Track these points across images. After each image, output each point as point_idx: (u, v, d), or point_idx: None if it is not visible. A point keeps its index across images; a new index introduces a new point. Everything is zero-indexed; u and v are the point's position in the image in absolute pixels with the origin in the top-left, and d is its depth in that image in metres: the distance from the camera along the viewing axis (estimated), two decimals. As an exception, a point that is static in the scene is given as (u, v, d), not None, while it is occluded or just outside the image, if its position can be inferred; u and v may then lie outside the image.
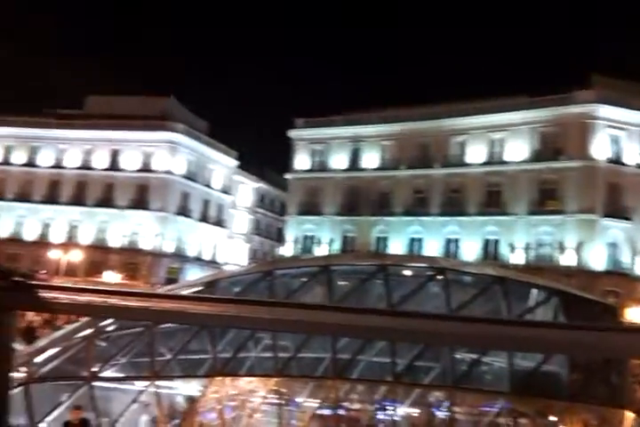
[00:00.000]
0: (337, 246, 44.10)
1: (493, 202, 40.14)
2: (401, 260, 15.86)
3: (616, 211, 36.86)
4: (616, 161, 37.83)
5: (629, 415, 10.14)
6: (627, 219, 36.90)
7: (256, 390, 10.83)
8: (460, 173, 41.37)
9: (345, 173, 45.69)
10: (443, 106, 42.18)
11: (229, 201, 55.68)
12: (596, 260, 36.08)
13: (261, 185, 60.45)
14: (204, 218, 51.92)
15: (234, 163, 56.18)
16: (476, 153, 41.38)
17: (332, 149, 46.54)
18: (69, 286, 1.50)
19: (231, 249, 54.94)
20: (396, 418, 11.07)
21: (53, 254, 42.71)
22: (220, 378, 10.12)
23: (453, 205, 41.18)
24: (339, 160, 46.23)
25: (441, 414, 10.97)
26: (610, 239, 36.87)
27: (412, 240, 42.01)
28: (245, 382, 10.93)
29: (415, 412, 11.62)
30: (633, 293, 34.63)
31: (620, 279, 35.09)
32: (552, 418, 10.98)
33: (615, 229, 36.98)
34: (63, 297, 1.37)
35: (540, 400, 10.34)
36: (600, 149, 37.73)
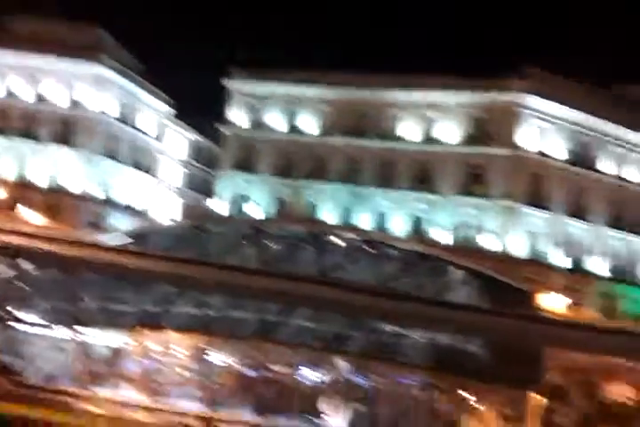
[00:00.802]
0: (270, 209, 43.66)
1: (424, 179, 40.75)
2: (334, 229, 15.87)
3: (537, 201, 38.42)
4: (542, 153, 39.21)
5: (537, 398, 10.76)
6: (547, 209, 38.61)
7: (179, 345, 10.61)
8: (394, 148, 41.59)
9: (283, 134, 44.79)
10: (384, 76, 41.77)
11: (162, 150, 53.49)
12: (517, 246, 37.66)
13: (197, 138, 58.30)
14: (134, 165, 49.18)
15: (168, 110, 53.60)
16: (410, 129, 41.61)
17: (271, 106, 45.26)
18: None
19: (163, 202, 53.21)
20: (315, 383, 11.17)
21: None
22: (143, 330, 9.80)
23: (386, 179, 41.51)
24: (277, 119, 45.13)
25: (361, 382, 11.17)
26: (530, 228, 38.52)
27: (345, 210, 42.17)
28: (169, 337, 10.67)
29: (336, 378, 11.77)
30: (549, 281, 35.98)
31: (537, 267, 36.81)
32: (467, 395, 11.43)
33: (536, 218, 38.64)
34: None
35: (457, 378, 10.72)
36: (528, 139, 38.89)
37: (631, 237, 40.72)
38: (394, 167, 41.60)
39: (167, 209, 52.88)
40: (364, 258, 11.19)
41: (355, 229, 22.66)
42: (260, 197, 44.03)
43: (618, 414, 15.20)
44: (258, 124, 45.43)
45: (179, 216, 53.44)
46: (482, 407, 11.65)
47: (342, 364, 11.37)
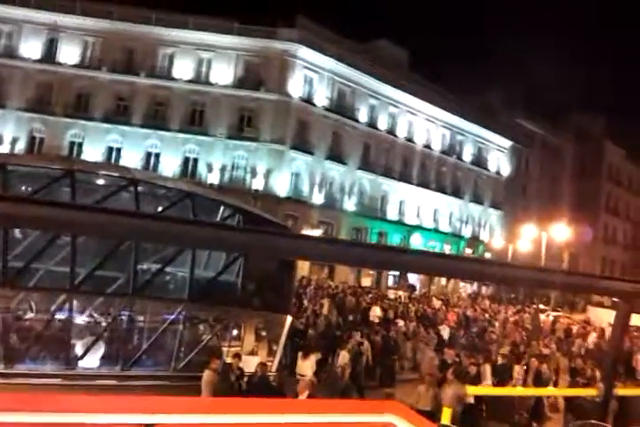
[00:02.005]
0: (22, 146, 39.09)
1: (196, 120, 40.46)
2: (91, 167, 14.91)
3: (302, 145, 40.98)
4: (307, 100, 41.55)
5: (288, 319, 12.04)
6: (310, 153, 41.49)
7: None
8: (166, 87, 40.27)
9: (38, 63, 39.92)
10: (155, 11, 39.96)
11: None
12: (281, 186, 39.95)
13: None
14: None
15: None
16: (183, 69, 40.58)
17: (24, 33, 39.92)
18: None
19: None
20: (75, 327, 10.83)
21: None
22: None
23: (157, 119, 40.16)
24: (31, 48, 40.02)
25: (124, 321, 11.14)
26: (294, 169, 41.13)
27: (111, 149, 39.85)
28: None
29: (98, 320, 11.56)
30: (308, 217, 40.20)
31: (298, 205, 39.91)
32: (228, 323, 12.18)
33: (299, 160, 41.31)
34: None
35: (216, 308, 11.35)
36: (295, 86, 40.82)
37: (379, 179, 46.23)
38: (165, 107, 40.36)
39: None
40: (124, 197, 10.89)
41: (117, 167, 21.61)
42: (10, 133, 39.14)
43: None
44: (8, 52, 39.73)
45: None
46: (242, 332, 12.53)
47: (102, 305, 11.20)
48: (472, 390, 6.94)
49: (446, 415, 3.91)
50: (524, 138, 58.14)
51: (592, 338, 21.16)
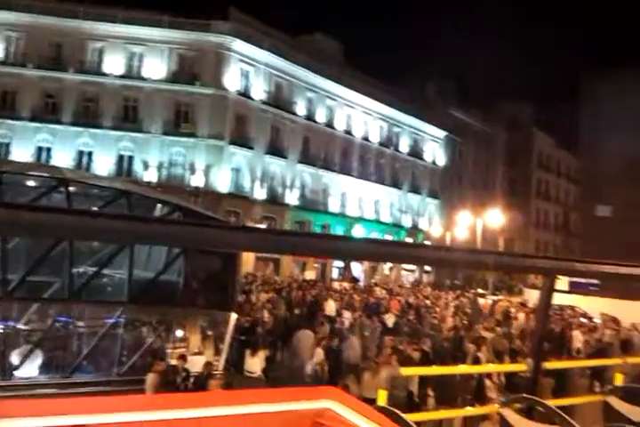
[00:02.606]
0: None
1: (130, 117, 39.37)
2: (19, 167, 14.25)
3: (241, 140, 40.61)
4: (244, 94, 41.17)
5: (234, 316, 11.93)
6: (250, 148, 41.18)
7: None
8: (97, 83, 38.97)
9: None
10: (82, 5, 38.58)
11: None
12: (222, 182, 39.49)
13: None
14: None
15: None
16: (114, 63, 39.39)
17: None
18: None
19: None
20: (10, 335, 10.39)
21: None
22: None
23: (88, 116, 38.81)
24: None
25: (62, 327, 10.77)
26: (234, 165, 40.72)
27: (40, 149, 38.23)
28: None
29: (34, 327, 11.12)
30: (251, 213, 39.91)
31: (240, 201, 39.55)
32: (171, 323, 11.96)
33: (239, 156, 40.93)
34: None
35: (158, 308, 11.12)
36: (232, 80, 40.36)
37: (320, 172, 46.45)
38: (96, 103, 39.07)
39: None
40: (56, 198, 10.50)
41: (47, 167, 20.81)
42: None
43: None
44: None
45: None
46: (187, 332, 12.36)
47: (40, 311, 10.79)
48: (405, 371, 7.16)
49: (382, 397, 4.03)
50: (457, 128, 59.76)
51: (522, 318, 22.12)
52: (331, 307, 21.77)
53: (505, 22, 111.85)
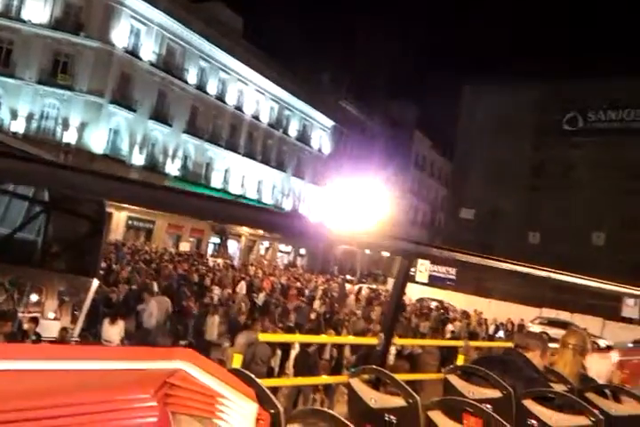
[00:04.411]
0: None
1: (1, 60, 35.73)
2: None
3: (123, 100, 38.28)
4: (132, 53, 38.87)
5: (95, 282, 11.28)
6: (132, 110, 38.98)
7: None
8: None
9: None
10: None
11: None
12: (97, 143, 37.10)
13: None
14: None
15: None
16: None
17: None
18: None
19: None
20: None
21: None
22: None
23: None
24: None
25: None
26: (113, 125, 38.41)
27: None
28: None
29: None
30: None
31: (116, 164, 37.15)
32: (26, 285, 11.05)
33: (119, 116, 38.63)
34: None
35: (12, 268, 10.19)
36: (120, 36, 37.90)
37: (205, 145, 45.29)
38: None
39: None
40: None
41: None
42: None
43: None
44: None
45: None
46: (43, 297, 11.54)
47: None
48: (262, 337, 7.34)
49: (237, 360, 4.13)
50: (345, 120, 61.05)
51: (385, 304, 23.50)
52: (242, 289, 21.72)
53: (410, 23, 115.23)
